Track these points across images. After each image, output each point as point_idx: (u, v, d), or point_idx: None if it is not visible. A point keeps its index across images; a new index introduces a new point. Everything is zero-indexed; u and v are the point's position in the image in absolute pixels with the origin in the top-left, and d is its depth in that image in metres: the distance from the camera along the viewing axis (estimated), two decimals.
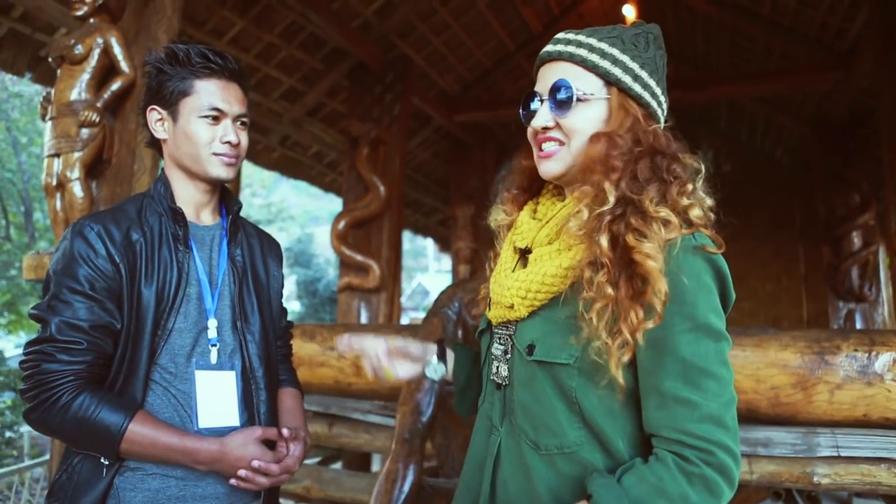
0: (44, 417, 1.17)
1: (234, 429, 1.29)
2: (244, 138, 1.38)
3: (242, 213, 1.47)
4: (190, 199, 1.38)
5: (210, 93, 1.32)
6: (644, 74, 1.04)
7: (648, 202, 0.96)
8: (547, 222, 1.07)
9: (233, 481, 1.23)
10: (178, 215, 1.33)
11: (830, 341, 1.92)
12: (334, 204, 17.97)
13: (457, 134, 7.21)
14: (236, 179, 4.34)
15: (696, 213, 0.99)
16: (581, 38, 1.05)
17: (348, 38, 5.13)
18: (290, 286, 16.37)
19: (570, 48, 1.04)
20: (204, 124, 1.32)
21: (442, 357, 1.31)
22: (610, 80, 1.03)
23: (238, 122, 1.37)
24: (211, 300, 1.33)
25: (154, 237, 1.29)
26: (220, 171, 1.35)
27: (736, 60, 7.05)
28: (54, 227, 2.96)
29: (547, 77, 1.06)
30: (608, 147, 0.99)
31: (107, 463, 1.21)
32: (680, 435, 0.91)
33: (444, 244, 10.92)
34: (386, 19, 5.44)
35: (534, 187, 1.17)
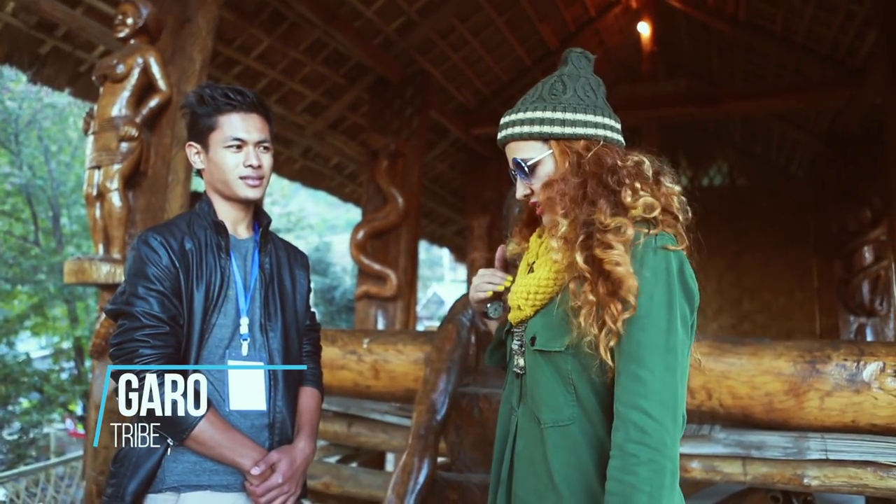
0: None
1: (261, 412, 1.49)
2: (266, 160, 1.57)
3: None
4: (227, 216, 1.58)
5: (232, 125, 1.52)
6: (569, 115, 1.20)
7: (603, 217, 1.15)
8: (543, 241, 1.30)
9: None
10: (220, 228, 1.54)
11: (822, 351, 2.03)
12: (351, 213, 18.04)
13: (473, 147, 7.37)
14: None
15: (657, 212, 1.16)
16: (515, 116, 1.25)
17: (370, 54, 5.32)
18: None
19: (511, 130, 1.25)
20: (229, 153, 1.52)
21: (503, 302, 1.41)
22: (545, 138, 1.22)
23: (260, 147, 1.56)
24: (244, 301, 1.53)
25: (202, 246, 1.50)
26: (247, 192, 1.55)
27: (750, 76, 7.15)
28: (93, 234, 3.15)
29: (509, 157, 1.28)
30: (548, 192, 1.21)
31: (171, 444, 1.40)
32: (631, 410, 1.06)
33: (460, 254, 11.04)
34: (406, 36, 5.63)
35: (538, 219, 1.37)
